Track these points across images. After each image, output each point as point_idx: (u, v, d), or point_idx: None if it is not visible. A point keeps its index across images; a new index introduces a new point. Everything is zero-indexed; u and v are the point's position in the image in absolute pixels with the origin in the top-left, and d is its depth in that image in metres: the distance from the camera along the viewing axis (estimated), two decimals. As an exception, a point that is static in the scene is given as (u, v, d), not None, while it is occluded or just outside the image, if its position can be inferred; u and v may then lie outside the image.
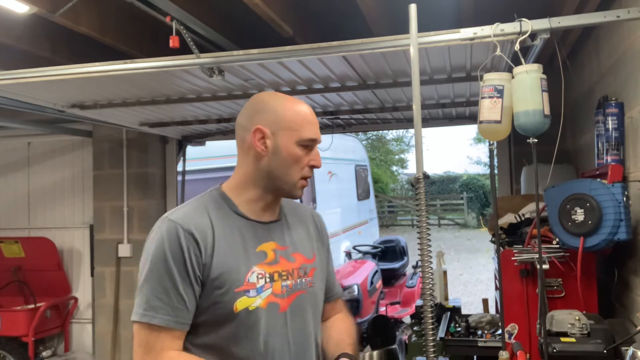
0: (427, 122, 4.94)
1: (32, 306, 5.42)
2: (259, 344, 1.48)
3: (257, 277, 1.50)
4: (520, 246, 2.88)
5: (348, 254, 7.91)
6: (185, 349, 1.47)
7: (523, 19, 2.30)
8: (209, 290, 1.45)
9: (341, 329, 1.78)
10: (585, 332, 2.20)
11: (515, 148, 4.72)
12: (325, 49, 2.72)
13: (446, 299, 3.88)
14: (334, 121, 5.00)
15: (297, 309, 1.57)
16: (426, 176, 1.86)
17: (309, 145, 1.56)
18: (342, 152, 10.50)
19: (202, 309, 1.46)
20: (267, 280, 1.52)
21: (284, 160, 1.53)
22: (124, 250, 5.53)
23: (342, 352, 1.65)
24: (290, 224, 1.66)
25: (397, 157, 26.83)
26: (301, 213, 1.75)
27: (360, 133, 13.95)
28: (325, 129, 5.37)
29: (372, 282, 6.41)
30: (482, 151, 26.33)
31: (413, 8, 1.97)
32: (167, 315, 1.41)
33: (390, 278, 7.46)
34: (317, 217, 1.80)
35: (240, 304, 1.46)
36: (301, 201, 1.66)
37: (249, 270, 1.49)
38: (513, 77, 2.22)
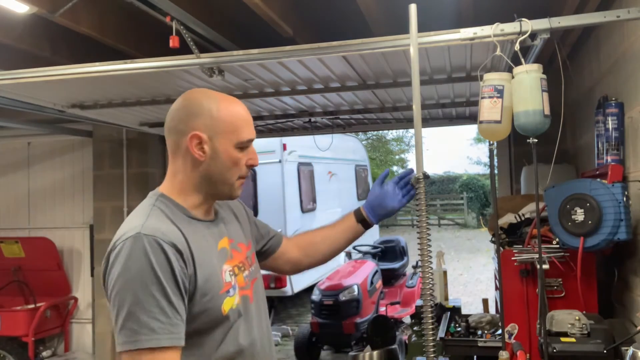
0: (427, 122, 4.94)
1: (32, 306, 5.43)
2: (242, 338, 1.50)
3: (229, 274, 1.50)
4: (520, 246, 2.88)
5: (348, 254, 7.91)
6: None
7: (523, 19, 2.30)
8: (197, 298, 1.40)
9: (316, 230, 2.00)
10: (585, 332, 2.20)
11: (515, 148, 4.72)
12: (325, 49, 2.72)
13: (446, 299, 3.88)
14: (334, 121, 5.00)
15: (257, 295, 1.61)
16: (426, 176, 1.86)
17: (246, 146, 1.52)
18: (342, 152, 10.50)
19: (193, 318, 1.39)
20: (234, 275, 1.52)
21: (223, 164, 1.49)
22: (124, 250, 5.52)
23: (355, 210, 1.92)
24: (225, 219, 1.64)
25: (397, 157, 26.83)
26: (225, 206, 1.71)
27: (360, 133, 13.95)
28: (325, 129, 5.37)
29: (372, 282, 6.41)
30: (482, 151, 26.32)
31: (413, 8, 1.97)
32: (170, 334, 1.31)
33: (390, 278, 7.45)
34: (235, 203, 1.76)
35: (226, 304, 1.45)
36: (256, 198, 1.70)
37: (222, 270, 1.48)
38: (513, 77, 2.22)
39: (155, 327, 1.29)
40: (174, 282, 1.33)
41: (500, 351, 2.26)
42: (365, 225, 1.96)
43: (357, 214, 1.96)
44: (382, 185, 1.94)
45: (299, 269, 1.97)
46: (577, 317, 2.23)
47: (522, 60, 2.24)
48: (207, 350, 1.43)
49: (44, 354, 5.62)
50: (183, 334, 1.35)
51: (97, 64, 2.99)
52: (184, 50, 3.00)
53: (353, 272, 6.45)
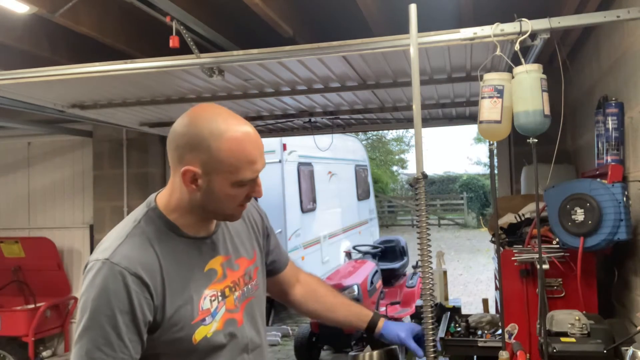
0: (427, 122, 4.94)
1: (32, 306, 5.43)
2: None
3: (210, 300, 1.43)
4: (520, 246, 2.88)
5: (348, 254, 7.91)
6: None
7: (523, 19, 2.30)
8: (165, 328, 1.35)
9: (330, 292, 1.87)
10: (585, 332, 2.20)
11: (515, 148, 4.72)
12: (325, 49, 2.73)
13: (446, 299, 3.88)
14: (334, 121, 5.00)
15: (249, 317, 1.54)
16: (424, 176, 1.86)
17: (248, 184, 1.40)
18: (342, 152, 10.50)
19: (161, 345, 1.36)
20: (220, 299, 1.45)
21: (217, 199, 1.39)
22: (124, 250, 5.52)
23: (373, 314, 1.81)
24: (230, 227, 1.57)
25: (397, 157, 26.83)
26: None
27: (360, 133, 13.95)
28: (325, 129, 5.37)
29: (372, 282, 6.41)
30: (482, 151, 26.37)
31: (413, 8, 1.97)
32: None
33: (390, 278, 7.45)
34: (250, 207, 1.67)
35: (199, 334, 1.39)
36: (256, 198, 1.62)
37: (201, 296, 1.41)
38: (513, 77, 2.22)
39: (97, 357, 1.26)
40: (129, 316, 1.28)
41: (500, 351, 2.26)
42: (370, 330, 1.86)
43: (373, 320, 1.84)
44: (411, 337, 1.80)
45: (287, 302, 1.88)
46: (577, 317, 2.23)
47: (522, 60, 2.24)
48: None
49: (44, 354, 5.62)
50: None
51: (97, 64, 2.99)
52: (184, 50, 2.99)
53: (353, 272, 6.45)
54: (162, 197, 1.47)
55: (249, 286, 1.56)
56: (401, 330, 1.77)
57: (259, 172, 1.41)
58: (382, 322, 1.83)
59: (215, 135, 1.34)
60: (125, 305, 1.28)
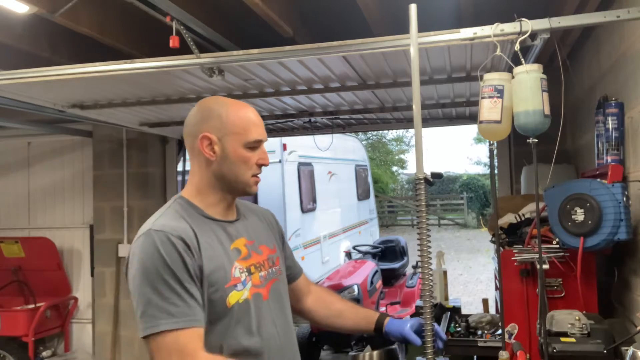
0: (427, 122, 4.94)
1: (32, 306, 5.42)
2: (253, 333, 1.58)
3: (239, 271, 1.59)
4: (520, 246, 2.88)
5: (348, 254, 7.91)
6: None
7: (523, 19, 2.30)
8: (204, 289, 1.50)
9: (338, 299, 2.00)
10: (585, 332, 2.20)
11: (515, 148, 4.72)
12: (325, 49, 2.72)
13: (446, 299, 3.88)
14: (334, 121, 5.00)
15: (275, 295, 1.70)
16: (438, 176, 1.89)
17: (255, 146, 1.62)
18: (342, 152, 10.50)
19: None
20: (247, 274, 1.61)
21: (233, 164, 1.60)
22: (124, 250, 5.53)
23: (379, 314, 1.91)
24: (250, 221, 1.76)
25: (397, 157, 26.83)
26: (256, 211, 1.86)
27: (360, 133, 13.95)
28: (325, 129, 5.37)
29: (372, 282, 6.41)
30: (482, 151, 26.38)
31: (413, 8, 1.97)
32: (186, 316, 1.43)
33: (390, 278, 7.45)
34: (270, 215, 1.92)
35: (232, 298, 1.54)
36: (256, 198, 1.77)
37: (232, 266, 1.58)
38: (513, 77, 2.22)
39: (173, 311, 1.41)
40: (185, 270, 1.45)
41: (500, 351, 2.26)
42: (377, 330, 1.96)
43: (379, 320, 1.94)
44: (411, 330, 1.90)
45: (299, 311, 1.99)
46: (577, 317, 2.23)
47: (522, 60, 2.24)
48: (213, 341, 1.51)
49: (44, 354, 5.61)
50: (200, 315, 1.46)
51: (97, 64, 2.99)
52: (184, 50, 2.99)
53: (353, 272, 6.45)
54: (185, 189, 1.68)
55: (273, 269, 1.73)
56: (403, 324, 1.87)
57: (263, 137, 1.63)
58: (387, 321, 1.91)
59: (223, 105, 1.63)
60: (178, 262, 1.45)
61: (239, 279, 1.58)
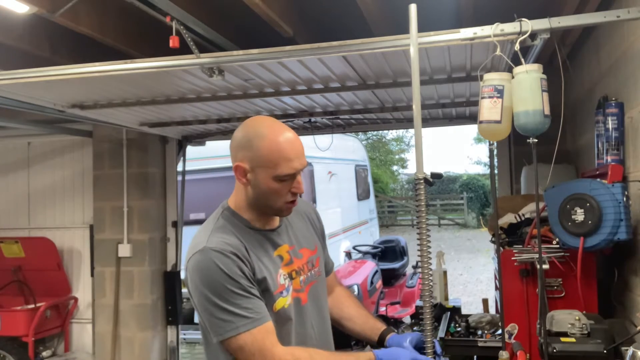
0: (427, 122, 4.94)
1: (32, 306, 5.42)
2: (292, 337, 1.69)
3: (283, 278, 1.70)
4: (520, 246, 2.88)
5: (348, 254, 7.91)
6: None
7: (523, 19, 2.30)
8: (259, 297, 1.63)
9: (355, 305, 2.03)
10: (585, 332, 2.20)
11: (515, 148, 4.72)
12: (325, 49, 2.72)
13: (446, 299, 3.89)
14: (334, 121, 5.00)
15: (313, 298, 1.79)
16: (438, 176, 1.89)
17: (286, 179, 1.65)
18: (342, 152, 10.50)
19: None
20: (289, 280, 1.72)
21: (264, 193, 1.67)
22: (124, 250, 5.53)
23: (385, 328, 1.93)
24: (292, 223, 1.84)
25: (397, 157, 26.83)
26: (298, 209, 1.87)
27: (360, 133, 13.95)
28: (325, 129, 5.37)
29: (372, 282, 6.41)
30: (482, 151, 26.39)
31: (413, 8, 1.97)
32: (257, 314, 1.58)
33: (390, 278, 7.46)
34: (311, 210, 1.99)
35: (278, 304, 1.66)
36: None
37: (277, 273, 1.69)
38: (513, 77, 2.22)
39: (247, 314, 1.56)
40: (245, 278, 1.59)
41: (500, 351, 2.26)
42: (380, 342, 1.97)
43: (383, 334, 1.95)
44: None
45: None
46: (577, 317, 2.23)
47: (522, 60, 2.24)
48: None
49: (44, 354, 5.61)
50: (267, 311, 1.60)
51: (97, 64, 2.99)
52: (184, 50, 2.99)
53: (353, 272, 6.45)
54: (232, 200, 1.77)
55: (312, 272, 1.82)
56: (403, 339, 1.88)
57: (296, 170, 1.66)
58: (390, 335, 1.94)
59: (259, 137, 1.65)
60: (238, 273, 1.58)
61: (284, 285, 1.69)
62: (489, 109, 2.22)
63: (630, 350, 1.79)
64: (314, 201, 8.77)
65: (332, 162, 9.70)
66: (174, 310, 5.65)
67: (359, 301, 2.11)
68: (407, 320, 6.31)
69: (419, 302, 4.83)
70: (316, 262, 1.85)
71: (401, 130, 23.80)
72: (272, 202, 1.68)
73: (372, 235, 11.99)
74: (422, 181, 1.83)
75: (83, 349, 5.82)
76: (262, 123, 1.70)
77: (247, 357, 1.57)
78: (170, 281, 5.65)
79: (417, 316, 3.90)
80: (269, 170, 1.63)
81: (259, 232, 1.73)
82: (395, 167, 27.16)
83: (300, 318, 1.73)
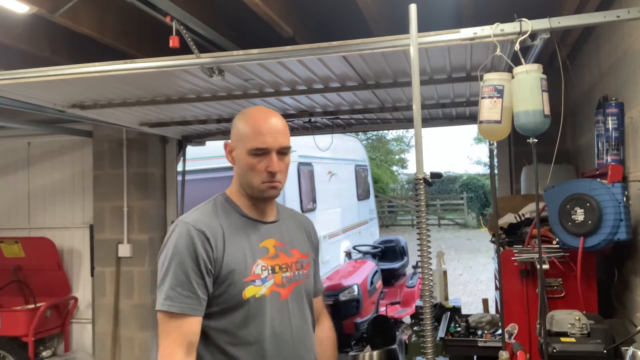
0: (427, 122, 4.94)
1: (32, 306, 5.42)
2: (265, 328, 1.68)
3: (261, 269, 1.71)
4: (520, 246, 2.88)
5: (348, 254, 7.91)
6: (204, 332, 1.66)
7: (523, 19, 2.30)
8: (221, 281, 1.65)
9: (329, 345, 2.00)
10: (585, 332, 2.20)
11: (515, 148, 4.72)
12: (325, 49, 2.72)
13: (446, 299, 3.88)
14: (334, 121, 5.00)
15: (296, 297, 1.78)
16: (438, 176, 1.90)
17: (261, 153, 1.70)
18: (342, 152, 10.49)
19: (216, 297, 1.65)
20: (270, 272, 1.72)
21: (242, 169, 1.73)
22: (124, 250, 5.53)
23: None
24: (288, 225, 1.88)
25: (397, 157, 26.82)
26: (297, 218, 1.98)
27: (360, 133, 13.95)
28: (325, 129, 5.37)
29: (372, 282, 6.41)
30: (482, 151, 26.37)
31: (413, 8, 1.97)
32: (181, 303, 1.60)
33: (390, 278, 7.45)
34: (310, 225, 2.01)
35: (248, 291, 1.66)
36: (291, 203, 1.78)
37: (254, 263, 1.70)
38: (513, 77, 2.22)
39: (172, 296, 1.61)
40: (195, 262, 1.62)
41: (500, 351, 2.26)
42: None
43: None
44: None
45: None
46: (577, 317, 2.23)
47: (522, 60, 2.24)
48: (231, 329, 1.66)
49: (44, 354, 5.61)
50: (197, 306, 1.62)
51: (97, 64, 2.99)
52: (184, 50, 2.99)
53: (353, 272, 6.45)
54: (230, 187, 1.83)
55: (300, 272, 1.82)
56: None
57: (267, 145, 1.69)
58: None
59: (243, 115, 1.78)
60: (192, 253, 1.62)
61: (259, 275, 1.69)
62: (489, 109, 2.22)
63: (630, 350, 1.79)
64: (314, 201, 8.77)
65: (332, 162, 9.69)
66: (174, 310, 5.63)
67: (335, 348, 2.04)
68: (407, 320, 6.31)
69: (419, 302, 4.83)
70: (306, 266, 1.85)
71: (401, 130, 23.80)
72: (250, 179, 1.72)
73: (372, 235, 11.98)
74: (422, 181, 1.83)
75: (83, 349, 5.82)
76: (252, 107, 1.84)
77: (159, 332, 1.63)
78: (170, 281, 5.64)
79: (417, 316, 3.89)
80: (244, 144, 1.70)
81: (249, 221, 1.76)
82: (395, 167, 27.16)
83: (277, 312, 1.72)
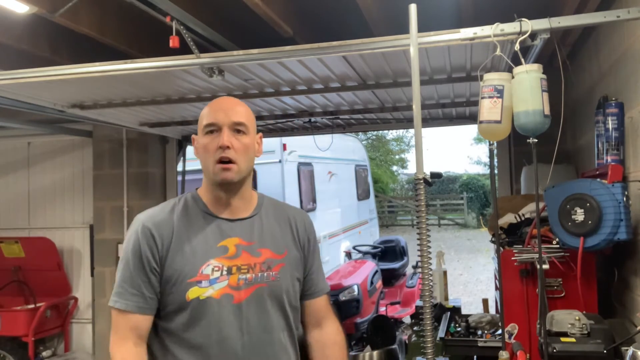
0: (427, 122, 4.94)
1: (32, 306, 5.42)
2: (210, 332, 1.59)
3: (213, 269, 1.61)
4: (520, 246, 2.88)
5: (348, 254, 7.91)
6: (157, 331, 1.64)
7: (523, 19, 2.30)
8: (166, 280, 1.60)
9: (336, 350, 1.83)
10: (585, 332, 2.20)
11: (515, 148, 4.72)
12: (325, 49, 2.72)
13: (446, 299, 3.88)
14: (334, 121, 5.00)
15: (255, 300, 1.64)
16: (438, 176, 1.89)
17: (211, 130, 1.64)
18: (342, 152, 10.49)
19: (164, 297, 1.61)
20: (224, 272, 1.62)
21: (200, 155, 1.69)
22: (124, 250, 5.53)
23: None
24: (264, 221, 1.74)
25: (397, 157, 26.82)
26: (279, 213, 1.81)
27: (360, 133, 13.95)
28: (325, 129, 5.37)
29: (372, 282, 6.41)
30: (482, 151, 26.36)
31: (413, 8, 1.97)
32: (127, 300, 1.60)
33: (390, 278, 7.45)
34: (299, 219, 1.83)
35: (192, 293, 1.59)
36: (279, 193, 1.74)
37: (205, 263, 1.61)
38: (513, 77, 2.22)
39: (119, 292, 1.62)
40: (138, 259, 1.60)
41: (500, 351, 2.26)
42: None
43: None
44: None
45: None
46: (577, 317, 2.23)
47: (522, 60, 2.24)
48: (176, 331, 1.61)
49: (44, 354, 5.61)
50: (142, 304, 1.60)
51: (97, 64, 2.99)
52: (184, 50, 2.99)
53: (353, 272, 6.45)
54: (202, 185, 1.76)
55: (265, 274, 1.67)
56: None
57: (217, 120, 1.64)
58: None
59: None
60: (137, 250, 1.61)
61: (208, 276, 1.60)
62: (489, 109, 2.22)
63: (630, 350, 1.79)
64: (314, 201, 8.77)
65: (332, 162, 9.70)
66: (174, 310, 5.64)
67: (344, 352, 1.87)
68: (407, 320, 6.31)
69: (419, 302, 4.83)
70: (275, 267, 1.68)
71: (401, 130, 23.80)
72: (206, 162, 1.65)
73: (372, 235, 11.98)
74: (422, 181, 1.83)
75: (83, 349, 5.82)
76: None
77: (112, 330, 1.65)
78: (170, 281, 5.64)
79: (417, 316, 3.90)
80: (200, 127, 1.68)
81: (212, 219, 1.68)
82: (395, 167, 27.15)
83: (227, 316, 1.60)
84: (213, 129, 1.64)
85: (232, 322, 1.61)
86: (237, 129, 1.65)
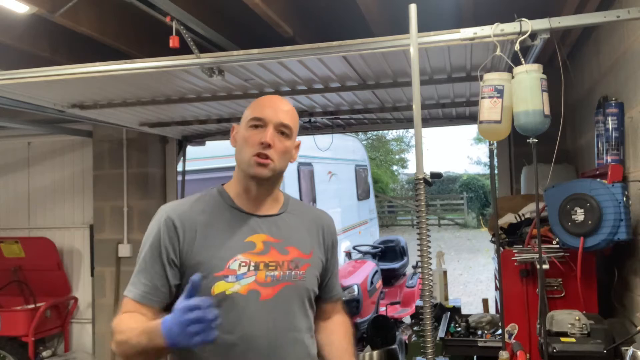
0: (427, 122, 4.94)
1: (32, 306, 5.42)
2: (236, 327, 1.55)
3: (240, 265, 1.59)
4: (520, 246, 2.88)
5: (348, 254, 7.90)
6: None
7: (523, 19, 2.30)
8: (190, 273, 1.52)
9: (342, 336, 1.87)
10: (585, 332, 2.21)
11: (515, 148, 4.72)
12: (325, 49, 2.72)
13: (446, 299, 3.88)
14: (334, 121, 5.00)
15: (282, 298, 1.62)
16: (438, 176, 1.89)
17: (257, 125, 1.64)
18: (342, 152, 10.49)
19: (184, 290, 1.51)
20: (251, 268, 1.60)
21: (239, 145, 1.67)
22: (124, 250, 5.53)
23: None
24: (291, 221, 1.74)
25: (397, 157, 26.82)
26: (306, 214, 1.82)
27: (360, 133, 13.95)
28: (325, 129, 5.37)
29: (372, 282, 6.41)
30: (482, 151, 26.35)
31: (413, 8, 1.97)
32: (138, 290, 1.59)
33: (390, 278, 7.45)
34: (327, 224, 1.85)
35: (218, 287, 1.56)
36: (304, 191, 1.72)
37: (232, 258, 1.59)
38: (513, 77, 2.22)
39: (134, 282, 1.61)
40: (157, 249, 1.59)
41: (500, 351, 2.26)
42: None
43: None
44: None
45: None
46: (577, 317, 2.23)
47: (522, 60, 2.25)
48: None
49: (44, 354, 5.61)
50: (153, 296, 1.57)
51: (97, 64, 2.99)
52: (184, 50, 2.99)
53: (353, 272, 6.45)
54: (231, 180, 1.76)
55: (293, 272, 1.66)
56: None
57: (264, 116, 1.64)
58: None
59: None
60: (156, 241, 1.60)
61: (235, 271, 1.57)
62: (489, 109, 2.22)
63: (630, 350, 1.79)
64: (314, 201, 8.76)
65: (332, 162, 9.69)
66: (174, 310, 5.64)
67: (350, 336, 1.91)
68: (407, 320, 6.31)
69: (419, 302, 4.83)
70: (302, 266, 1.68)
71: (401, 130, 23.80)
72: (244, 153, 1.63)
73: (372, 235, 11.97)
74: (422, 181, 1.83)
75: (83, 349, 5.82)
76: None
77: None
78: (170, 281, 5.64)
79: (417, 316, 3.90)
80: (245, 119, 1.67)
81: (238, 213, 1.66)
82: (395, 167, 27.15)
83: (253, 313, 1.57)
84: (258, 123, 1.64)
85: (257, 318, 1.58)
86: (282, 130, 1.65)
